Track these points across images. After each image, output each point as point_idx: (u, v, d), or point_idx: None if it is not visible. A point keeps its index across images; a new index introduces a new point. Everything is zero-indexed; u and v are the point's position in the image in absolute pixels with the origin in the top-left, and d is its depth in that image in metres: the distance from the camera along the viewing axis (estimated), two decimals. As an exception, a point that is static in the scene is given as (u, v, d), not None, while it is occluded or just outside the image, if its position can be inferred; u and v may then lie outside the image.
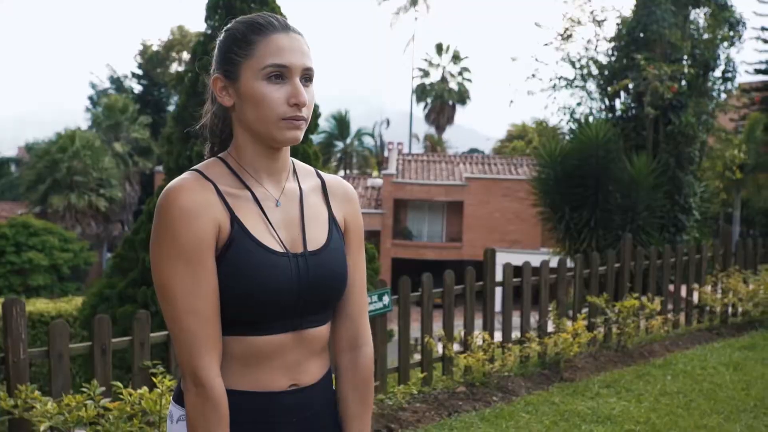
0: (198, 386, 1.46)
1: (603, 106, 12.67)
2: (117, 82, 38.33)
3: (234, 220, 1.50)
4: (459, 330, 5.66)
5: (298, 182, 1.63)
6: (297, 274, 1.52)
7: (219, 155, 1.60)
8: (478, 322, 5.85)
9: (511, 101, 13.97)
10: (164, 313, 1.49)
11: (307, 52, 1.54)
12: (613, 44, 12.53)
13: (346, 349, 1.68)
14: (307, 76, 1.53)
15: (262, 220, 1.53)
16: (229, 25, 1.57)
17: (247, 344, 1.51)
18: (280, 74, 1.50)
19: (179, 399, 1.57)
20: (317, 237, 1.59)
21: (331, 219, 1.63)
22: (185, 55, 36.07)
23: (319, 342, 1.59)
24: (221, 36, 1.58)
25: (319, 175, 1.68)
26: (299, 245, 1.56)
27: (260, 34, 1.51)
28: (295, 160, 1.66)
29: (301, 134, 1.53)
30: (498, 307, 6.18)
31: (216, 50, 1.58)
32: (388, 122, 39.61)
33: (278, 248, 1.53)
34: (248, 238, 1.50)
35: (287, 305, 1.51)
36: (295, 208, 1.59)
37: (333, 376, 1.70)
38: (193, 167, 1.57)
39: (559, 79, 12.92)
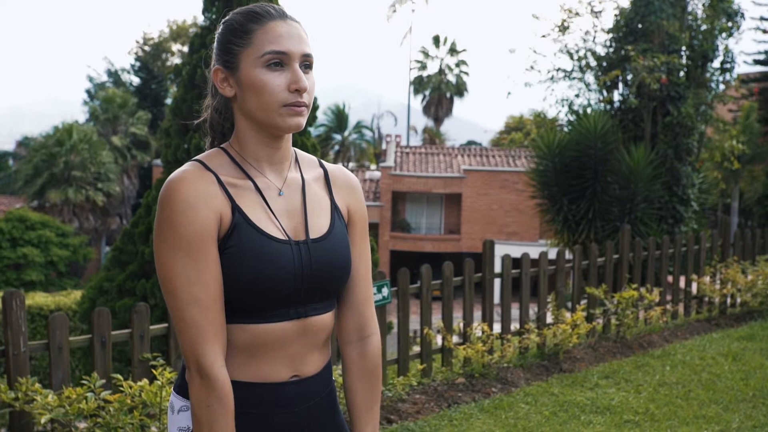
0: (202, 377, 1.45)
1: (601, 98, 12.66)
2: (115, 76, 38.19)
3: (235, 208, 1.51)
4: (458, 321, 5.67)
5: (301, 172, 1.63)
6: (299, 262, 1.53)
7: (221, 146, 1.60)
8: (477, 313, 5.86)
9: (509, 93, 13.98)
10: (168, 304, 1.49)
11: (306, 39, 1.54)
12: (611, 35, 12.51)
13: (353, 339, 1.68)
14: (306, 63, 1.54)
15: (264, 209, 1.54)
16: (226, 17, 1.58)
17: (250, 333, 1.51)
18: (279, 61, 1.50)
19: (180, 390, 1.58)
20: (319, 225, 1.59)
21: (334, 207, 1.64)
22: (183, 48, 35.98)
23: (322, 332, 1.59)
24: (219, 28, 1.59)
25: (321, 165, 1.69)
26: (301, 233, 1.57)
27: (258, 23, 1.52)
28: (297, 150, 1.67)
29: (303, 120, 1.53)
30: (497, 298, 6.19)
31: (215, 43, 1.59)
32: (395, 119, 39.39)
33: (280, 236, 1.53)
34: (250, 226, 1.50)
35: (290, 292, 1.52)
36: (297, 197, 1.59)
37: (333, 366, 1.70)
38: (194, 158, 1.57)
39: (557, 70, 12.91)
